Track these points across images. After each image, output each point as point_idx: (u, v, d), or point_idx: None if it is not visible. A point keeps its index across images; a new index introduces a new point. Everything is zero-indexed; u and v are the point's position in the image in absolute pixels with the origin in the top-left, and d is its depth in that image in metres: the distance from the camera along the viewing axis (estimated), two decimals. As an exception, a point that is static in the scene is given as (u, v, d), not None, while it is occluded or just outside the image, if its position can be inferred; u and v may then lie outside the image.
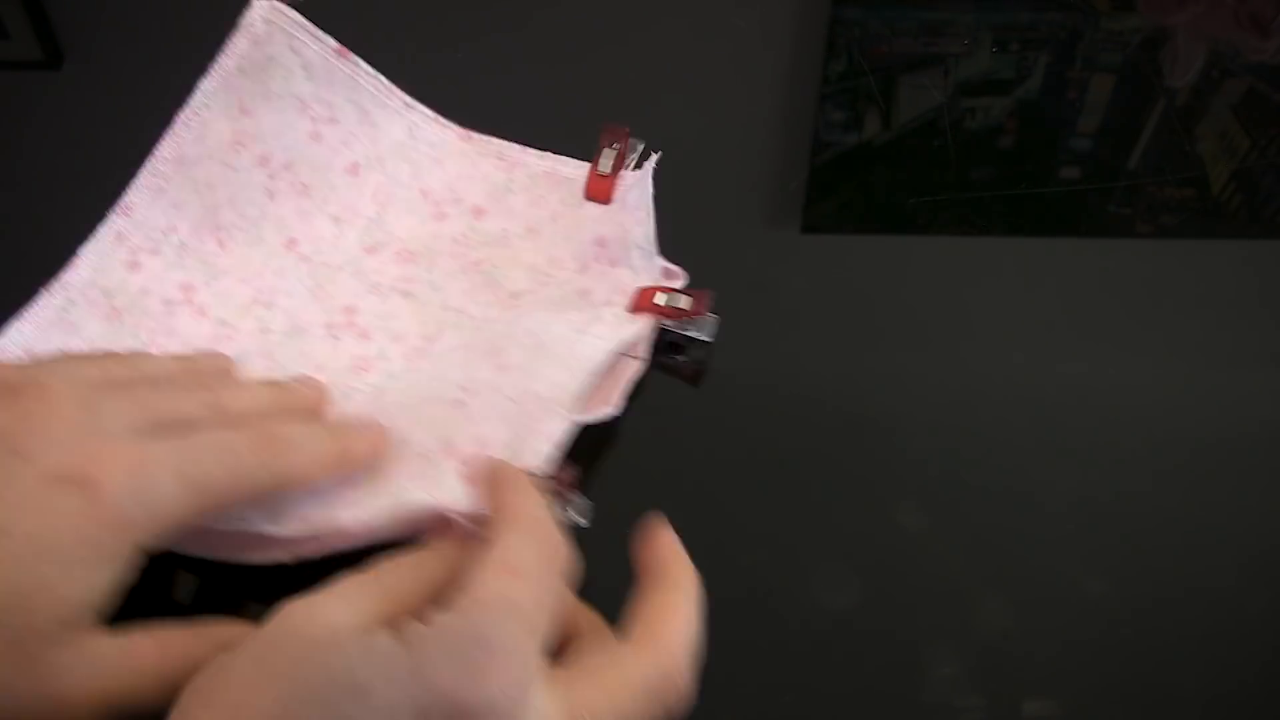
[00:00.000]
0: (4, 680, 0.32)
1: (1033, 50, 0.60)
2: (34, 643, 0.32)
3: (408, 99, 0.52)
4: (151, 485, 0.34)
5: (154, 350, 0.45)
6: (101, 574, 0.33)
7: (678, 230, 0.50)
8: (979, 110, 0.57)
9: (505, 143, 0.53)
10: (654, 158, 0.49)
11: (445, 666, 0.30)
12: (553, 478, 0.40)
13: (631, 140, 0.51)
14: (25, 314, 0.44)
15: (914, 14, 0.61)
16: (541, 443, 0.41)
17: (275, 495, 0.38)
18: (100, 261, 0.46)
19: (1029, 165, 0.56)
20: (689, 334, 0.47)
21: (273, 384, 0.43)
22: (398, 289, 0.48)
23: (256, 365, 0.45)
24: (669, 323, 0.47)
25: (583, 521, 0.40)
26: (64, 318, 0.45)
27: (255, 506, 0.38)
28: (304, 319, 0.47)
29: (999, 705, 0.39)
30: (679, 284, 0.49)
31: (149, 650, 0.34)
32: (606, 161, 0.51)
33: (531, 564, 0.34)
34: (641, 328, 0.46)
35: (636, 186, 0.49)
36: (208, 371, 0.42)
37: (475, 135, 0.53)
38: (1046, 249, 0.52)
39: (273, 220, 0.48)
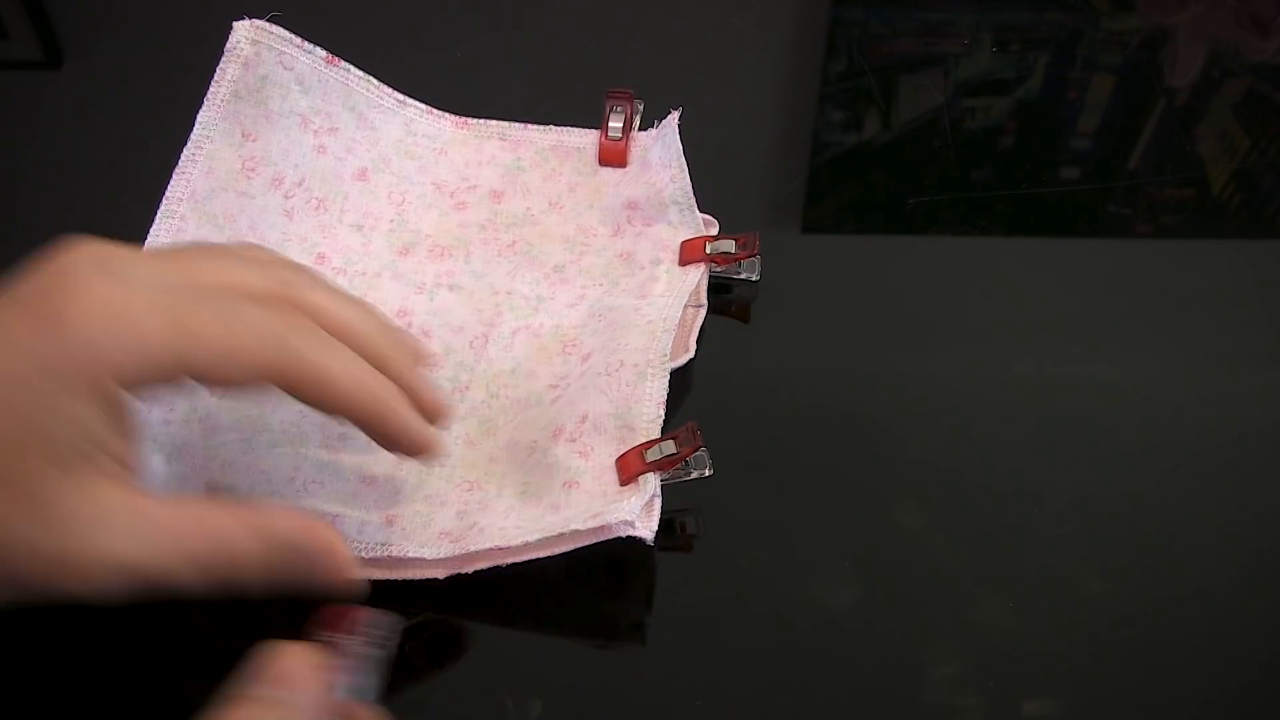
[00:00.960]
0: (10, 526, 0.31)
1: (1033, 50, 0.60)
2: (32, 483, 0.31)
3: (399, 96, 0.52)
4: (130, 323, 0.32)
5: None
6: (82, 410, 0.31)
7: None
8: (979, 110, 0.57)
9: (503, 123, 0.53)
10: (674, 114, 0.50)
11: None
12: (673, 437, 0.41)
13: (635, 102, 0.52)
14: None
15: (914, 14, 0.61)
16: (646, 406, 0.42)
17: (292, 377, 0.35)
18: None
19: (1029, 165, 0.56)
20: (740, 276, 0.49)
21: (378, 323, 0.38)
22: (442, 285, 0.48)
23: None
24: (718, 268, 0.48)
25: (708, 473, 0.41)
26: None
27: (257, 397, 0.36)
28: None
29: (999, 705, 0.39)
30: (715, 230, 0.50)
31: (168, 515, 0.33)
32: (616, 125, 0.52)
33: None
34: (696, 277, 0.47)
35: (657, 145, 0.50)
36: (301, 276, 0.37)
37: (471, 120, 0.53)
38: (1046, 249, 0.52)
39: (296, 240, 0.48)
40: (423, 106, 0.52)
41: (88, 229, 0.50)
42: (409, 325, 0.47)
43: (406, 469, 0.43)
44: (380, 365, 0.37)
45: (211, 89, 0.47)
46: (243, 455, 0.43)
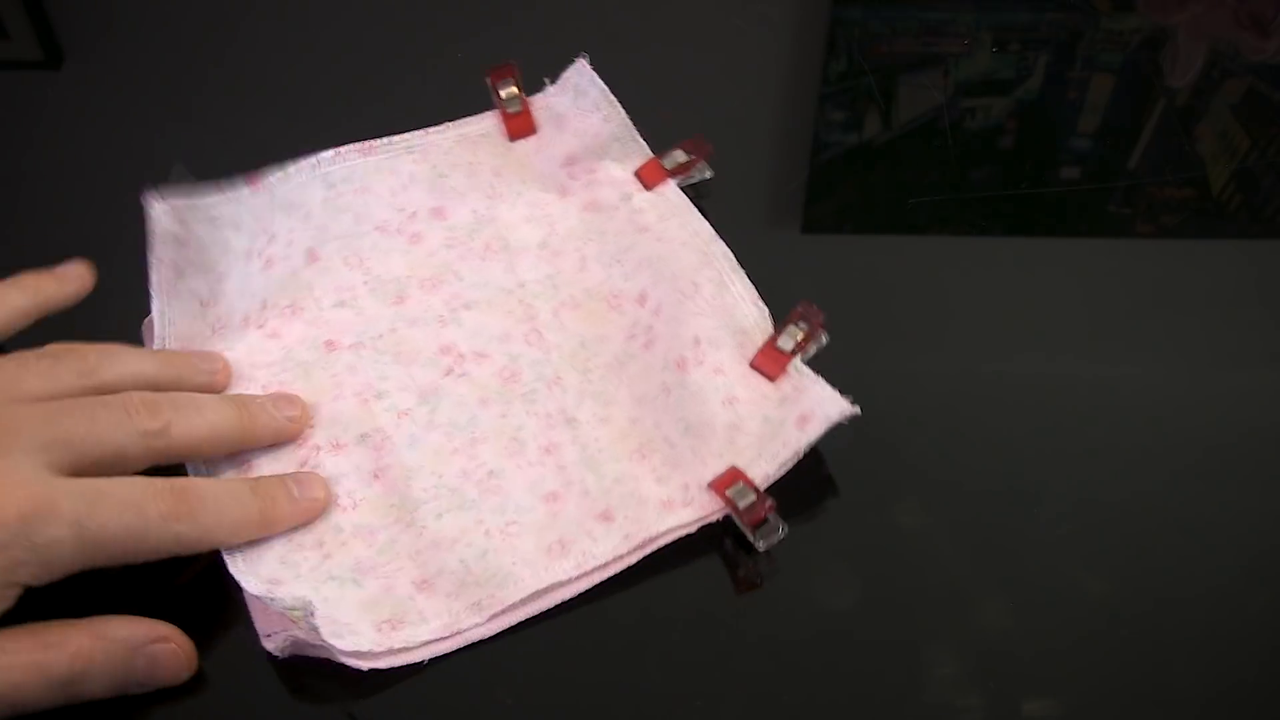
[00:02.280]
0: None
1: (1033, 50, 0.60)
2: None
3: (311, 159, 0.50)
4: (43, 531, 0.34)
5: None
6: None
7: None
8: (979, 110, 0.57)
9: (405, 135, 0.52)
10: (581, 60, 0.52)
11: None
12: (793, 321, 0.45)
13: (518, 72, 0.53)
14: None
15: (914, 14, 0.61)
16: (746, 308, 0.46)
17: (185, 552, 0.38)
18: None
19: (1029, 165, 0.56)
20: (700, 179, 0.51)
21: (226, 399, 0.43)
22: (458, 307, 0.48)
23: (434, 442, 0.44)
24: (678, 179, 0.51)
25: (824, 340, 0.45)
26: None
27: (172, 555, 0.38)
28: (422, 383, 0.45)
29: (999, 705, 0.39)
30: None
31: (28, 647, 0.35)
32: (508, 96, 0.52)
33: None
34: (676, 193, 0.50)
35: (566, 96, 0.52)
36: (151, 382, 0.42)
37: (374, 143, 0.51)
38: (1046, 249, 0.52)
39: (294, 346, 0.46)
40: (329, 152, 0.50)
41: (88, 229, 0.50)
42: (461, 356, 0.46)
43: (573, 472, 0.43)
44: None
45: (154, 276, 0.46)
46: (417, 539, 0.42)
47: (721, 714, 0.39)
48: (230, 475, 0.42)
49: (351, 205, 0.49)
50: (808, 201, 0.54)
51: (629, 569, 0.41)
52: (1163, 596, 0.41)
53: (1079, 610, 0.41)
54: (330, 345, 0.46)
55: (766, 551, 0.42)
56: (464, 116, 0.53)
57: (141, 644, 0.37)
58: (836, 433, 0.46)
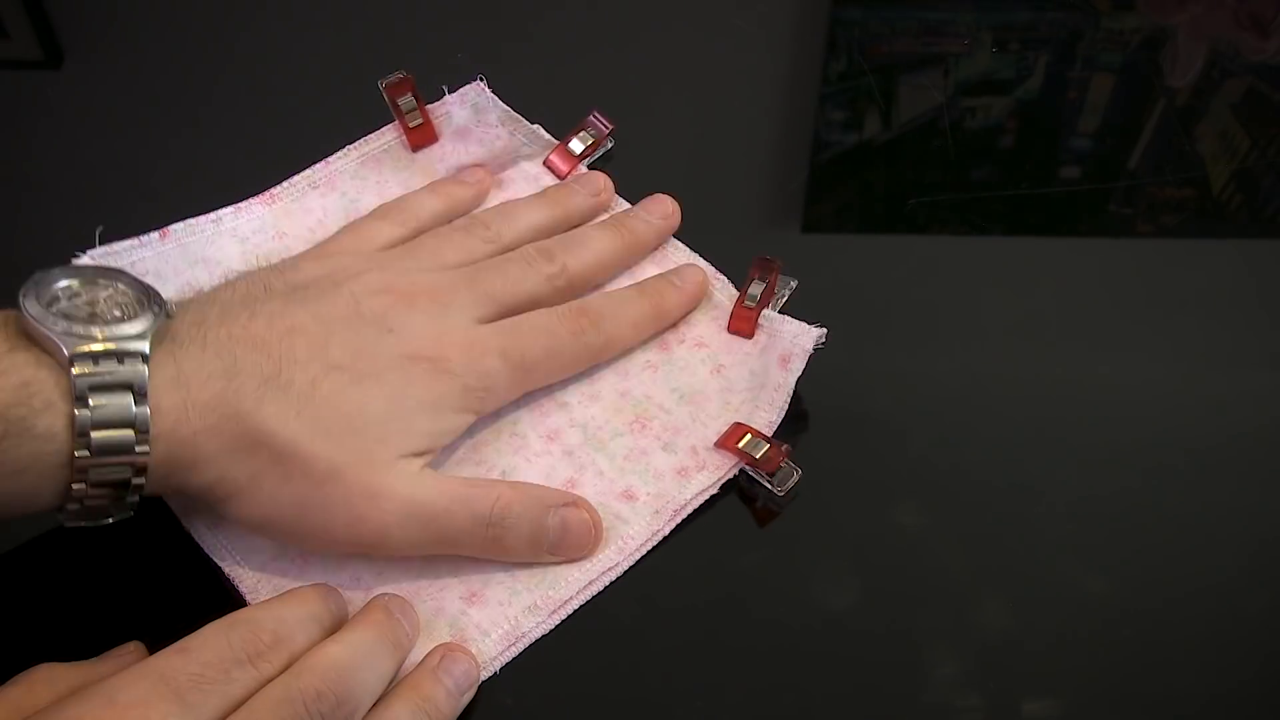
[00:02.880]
0: (349, 477, 0.38)
1: (1033, 50, 0.60)
2: (380, 459, 0.39)
3: (213, 215, 0.49)
4: (482, 362, 0.42)
5: None
6: (440, 423, 0.41)
7: (678, 230, 0.50)
8: (979, 110, 0.57)
9: (305, 172, 0.51)
10: (477, 82, 0.52)
11: None
12: (761, 272, 0.46)
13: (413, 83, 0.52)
14: None
15: (914, 14, 0.61)
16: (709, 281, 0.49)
17: (598, 359, 0.45)
18: None
19: (1029, 165, 0.56)
20: (604, 152, 0.53)
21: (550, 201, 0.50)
22: None
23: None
24: (587, 161, 0.53)
25: (792, 285, 0.48)
26: None
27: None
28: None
29: (999, 705, 0.39)
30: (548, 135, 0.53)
31: (459, 483, 0.41)
32: (407, 108, 0.52)
33: None
34: (591, 174, 0.52)
35: (465, 108, 0.52)
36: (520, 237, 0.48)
37: (275, 190, 0.50)
38: (1046, 249, 0.53)
39: None
40: (229, 209, 0.49)
41: (88, 229, 0.50)
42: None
43: (582, 455, 0.44)
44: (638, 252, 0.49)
45: None
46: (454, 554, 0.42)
47: (722, 714, 0.39)
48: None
49: (272, 251, 0.49)
50: (808, 201, 0.54)
51: (629, 571, 0.41)
52: (1162, 596, 0.41)
53: (1079, 610, 0.41)
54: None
55: (766, 551, 0.42)
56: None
57: (555, 504, 0.41)
58: (837, 433, 0.46)
